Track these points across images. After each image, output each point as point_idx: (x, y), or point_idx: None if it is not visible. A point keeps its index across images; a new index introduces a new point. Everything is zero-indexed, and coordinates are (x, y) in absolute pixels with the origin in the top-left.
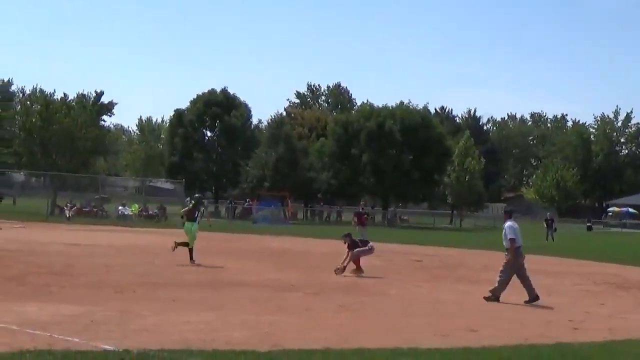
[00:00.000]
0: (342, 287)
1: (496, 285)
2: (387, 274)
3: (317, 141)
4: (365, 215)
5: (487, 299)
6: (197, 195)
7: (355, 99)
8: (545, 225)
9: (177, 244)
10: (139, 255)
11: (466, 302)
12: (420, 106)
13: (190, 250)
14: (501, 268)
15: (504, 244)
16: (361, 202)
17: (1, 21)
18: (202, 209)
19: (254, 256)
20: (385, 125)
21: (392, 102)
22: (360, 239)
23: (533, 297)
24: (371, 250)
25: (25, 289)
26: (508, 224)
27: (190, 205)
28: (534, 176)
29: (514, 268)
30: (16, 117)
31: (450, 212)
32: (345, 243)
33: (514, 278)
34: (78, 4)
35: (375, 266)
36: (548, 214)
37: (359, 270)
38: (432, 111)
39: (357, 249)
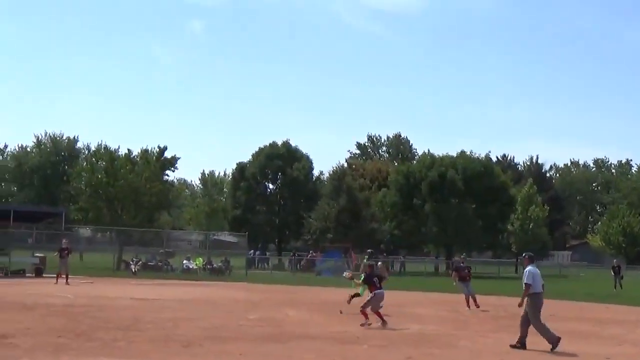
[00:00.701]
0: (409, 339)
1: (541, 333)
2: (454, 325)
3: (378, 192)
4: (467, 270)
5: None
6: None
7: (415, 149)
8: (612, 273)
9: (352, 297)
10: (205, 309)
11: (533, 354)
12: (482, 155)
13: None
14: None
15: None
16: (461, 256)
17: (68, 82)
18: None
19: (318, 308)
20: (447, 174)
21: (452, 152)
22: (375, 279)
23: (521, 344)
24: (379, 297)
25: (94, 345)
26: (528, 268)
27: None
28: (600, 223)
29: (538, 311)
30: (82, 173)
31: (514, 260)
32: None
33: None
34: (140, 63)
35: (442, 317)
36: (615, 261)
37: (367, 319)
38: (494, 159)
39: (373, 300)
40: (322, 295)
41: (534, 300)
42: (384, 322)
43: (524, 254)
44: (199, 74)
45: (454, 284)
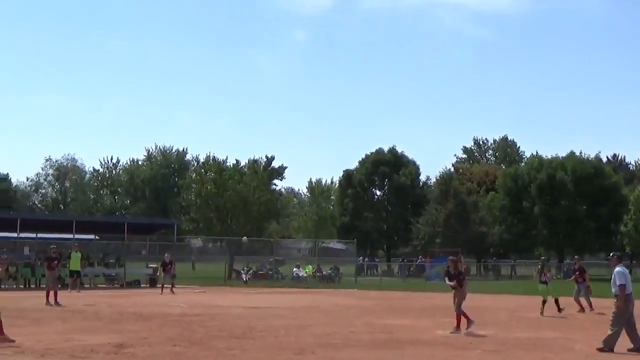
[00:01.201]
0: (522, 344)
1: (609, 335)
2: (568, 329)
3: (486, 196)
4: (579, 272)
5: (600, 350)
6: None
7: (523, 151)
8: None
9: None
10: (316, 316)
11: None
12: (592, 155)
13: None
14: (611, 317)
15: (612, 290)
16: (576, 257)
17: (176, 95)
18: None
19: (428, 313)
20: (556, 176)
21: (561, 153)
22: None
23: (638, 347)
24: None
25: (209, 353)
26: (617, 269)
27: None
28: None
29: (625, 316)
30: (192, 185)
31: (629, 262)
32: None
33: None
34: (246, 73)
35: (555, 320)
36: None
37: (469, 319)
38: (604, 160)
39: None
40: (432, 301)
41: (627, 300)
42: (458, 328)
43: (612, 254)
44: (304, 83)
45: (575, 287)
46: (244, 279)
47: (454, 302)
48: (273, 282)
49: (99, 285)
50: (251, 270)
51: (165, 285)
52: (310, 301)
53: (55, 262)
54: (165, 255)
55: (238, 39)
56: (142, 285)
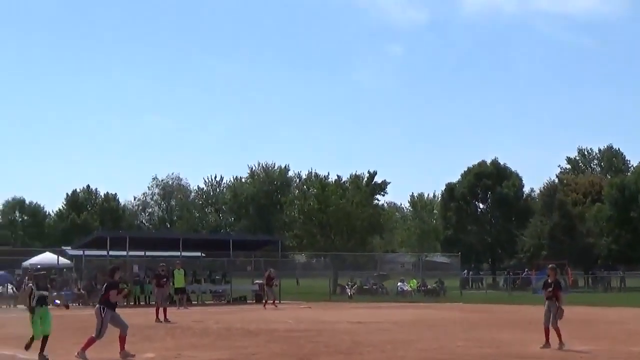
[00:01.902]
0: (635, 358)
1: None
2: None
3: (592, 206)
4: None
5: None
6: None
7: (629, 160)
8: None
9: None
10: (422, 331)
11: None
12: None
13: None
14: None
15: None
16: None
17: (276, 112)
18: None
19: (536, 327)
20: None
21: None
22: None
23: None
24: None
25: None
26: None
27: None
28: None
29: None
30: (295, 201)
31: None
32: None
33: None
34: (345, 88)
35: None
36: None
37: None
38: None
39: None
40: (540, 314)
41: None
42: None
43: None
44: (403, 97)
45: None
46: (349, 294)
47: (545, 315)
48: (378, 297)
49: (206, 302)
50: (355, 285)
51: (268, 301)
52: (415, 315)
53: (164, 279)
54: (270, 270)
55: (336, 55)
56: (248, 301)
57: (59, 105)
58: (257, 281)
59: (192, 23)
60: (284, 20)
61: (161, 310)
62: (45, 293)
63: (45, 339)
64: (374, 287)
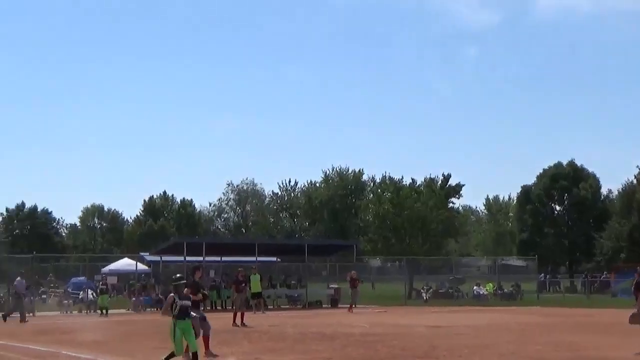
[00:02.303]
0: None
1: None
2: None
3: None
4: None
5: None
6: None
7: None
8: None
9: None
10: (499, 335)
11: None
12: None
13: None
14: None
15: None
16: None
17: (350, 116)
18: None
19: (615, 330)
20: None
21: None
22: None
23: None
24: None
25: None
26: None
27: None
28: None
29: None
30: (369, 205)
31: None
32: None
33: None
34: (417, 91)
35: None
36: None
37: None
38: None
39: None
40: (619, 318)
41: None
42: None
43: None
44: (477, 99)
45: None
46: (424, 298)
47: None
48: (453, 301)
49: (282, 306)
50: (431, 289)
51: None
52: (492, 319)
53: (243, 284)
54: (352, 272)
55: (409, 59)
56: (323, 306)
57: (136, 111)
58: (332, 285)
59: (267, 27)
60: (358, 24)
61: (239, 314)
62: (188, 303)
63: (194, 356)
64: (449, 290)
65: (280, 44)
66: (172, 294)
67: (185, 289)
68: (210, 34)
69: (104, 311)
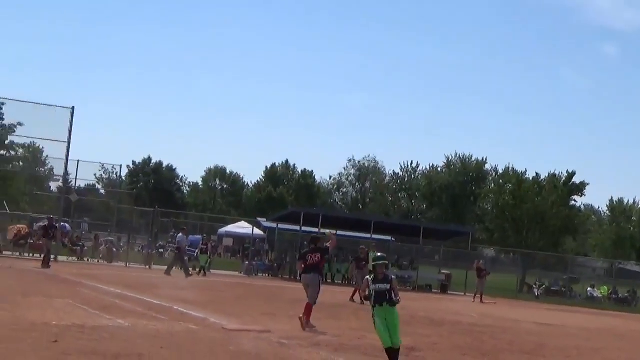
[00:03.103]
0: None
1: None
2: None
3: None
4: None
5: None
6: None
7: None
8: None
9: None
10: (610, 340)
11: None
12: None
13: None
14: None
15: None
16: None
17: (477, 104)
18: None
19: None
20: None
21: None
22: None
23: None
24: None
25: None
26: None
27: None
28: None
29: None
30: (489, 195)
31: None
32: None
33: None
34: (550, 85)
35: None
36: None
37: None
38: None
39: None
40: None
41: None
42: None
43: None
44: (611, 98)
45: None
46: (536, 294)
47: None
48: (566, 300)
49: None
50: (544, 286)
51: (476, 294)
52: (604, 323)
53: (364, 262)
54: (481, 262)
55: (543, 51)
56: (433, 290)
57: (267, 80)
58: (444, 271)
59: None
60: (493, 11)
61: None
62: (385, 286)
63: (394, 354)
64: (562, 289)
65: (413, 23)
66: (367, 277)
67: (314, 255)
68: (341, 6)
69: (203, 271)
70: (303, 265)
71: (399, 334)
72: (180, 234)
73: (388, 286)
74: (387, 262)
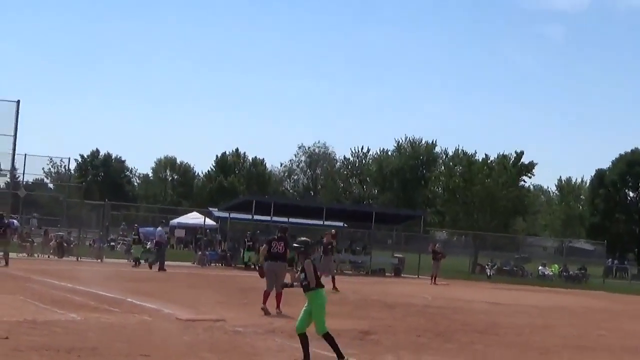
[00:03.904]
0: None
1: None
2: None
3: None
4: None
5: None
6: None
7: None
8: None
9: None
10: (562, 317)
11: None
12: None
13: None
14: None
15: None
16: None
17: (425, 87)
18: None
19: None
20: None
21: None
22: None
23: None
24: None
25: (452, 346)
26: None
27: None
28: None
29: None
30: (440, 177)
31: None
32: None
33: None
34: (496, 66)
35: None
36: None
37: None
38: None
39: None
40: None
41: None
42: None
43: None
44: (557, 79)
45: None
46: (488, 274)
47: None
48: (517, 279)
49: (345, 272)
50: (495, 266)
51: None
52: (556, 301)
53: (329, 246)
54: (437, 245)
55: (492, 33)
56: (386, 274)
57: (213, 68)
58: (397, 254)
59: None
60: None
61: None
62: (302, 274)
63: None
64: (514, 269)
65: (358, 5)
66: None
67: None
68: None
69: (137, 262)
70: (267, 252)
71: (323, 321)
72: (160, 228)
73: (304, 274)
74: (302, 247)
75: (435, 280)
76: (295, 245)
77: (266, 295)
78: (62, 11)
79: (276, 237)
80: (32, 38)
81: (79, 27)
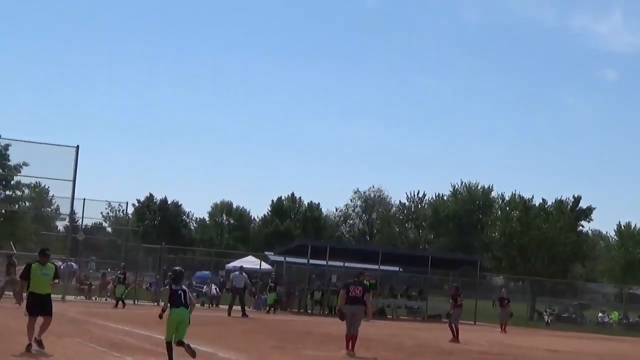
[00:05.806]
0: None
1: None
2: None
3: None
4: None
5: None
6: None
7: None
8: None
9: None
10: None
11: None
12: None
13: None
14: None
15: None
16: None
17: (478, 133)
18: None
19: None
20: None
21: None
22: None
23: None
24: None
25: None
26: None
27: None
28: None
29: None
30: (496, 222)
31: None
32: None
33: None
34: (554, 111)
35: None
36: None
37: None
38: None
39: None
40: None
41: None
42: None
43: None
44: (613, 123)
45: None
46: (546, 321)
47: None
48: (576, 326)
49: (401, 317)
50: (554, 313)
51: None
52: (615, 349)
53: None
54: (502, 290)
55: (546, 77)
56: (443, 320)
57: (270, 113)
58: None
59: (404, 38)
60: (493, 40)
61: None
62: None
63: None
64: (573, 315)
65: (414, 52)
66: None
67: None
68: (345, 40)
69: (121, 302)
70: (345, 297)
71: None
72: (237, 273)
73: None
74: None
75: (504, 328)
76: None
77: (348, 339)
78: (122, 61)
79: (353, 281)
80: (89, 85)
81: (134, 73)
